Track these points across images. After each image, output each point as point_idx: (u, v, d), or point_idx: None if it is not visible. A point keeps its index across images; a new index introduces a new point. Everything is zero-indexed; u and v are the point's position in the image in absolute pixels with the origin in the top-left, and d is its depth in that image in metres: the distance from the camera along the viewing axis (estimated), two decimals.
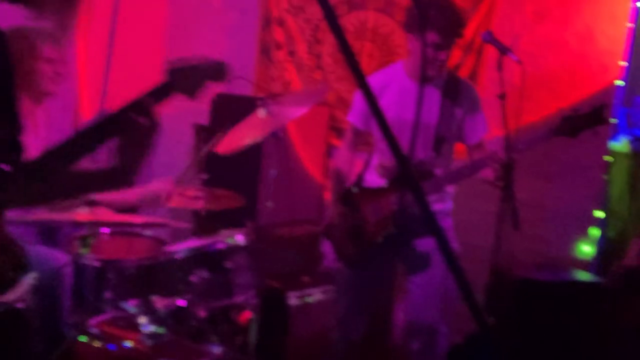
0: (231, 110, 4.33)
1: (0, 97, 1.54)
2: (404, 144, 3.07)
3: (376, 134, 3.27)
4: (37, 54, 3.05)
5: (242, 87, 4.75)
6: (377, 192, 3.20)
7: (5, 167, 1.44)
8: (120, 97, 1.71)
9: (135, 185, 3.90)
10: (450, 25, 2.98)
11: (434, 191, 3.05)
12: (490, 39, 3.06)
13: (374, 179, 3.27)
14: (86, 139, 1.55)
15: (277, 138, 3.16)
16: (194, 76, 1.70)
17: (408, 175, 1.32)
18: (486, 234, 3.13)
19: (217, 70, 1.79)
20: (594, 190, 3.82)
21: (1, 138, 1.55)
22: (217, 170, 3.62)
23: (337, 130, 4.61)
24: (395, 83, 3.18)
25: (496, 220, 2.89)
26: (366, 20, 4.44)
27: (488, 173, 2.98)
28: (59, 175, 1.57)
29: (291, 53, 4.77)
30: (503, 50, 3.01)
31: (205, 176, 3.41)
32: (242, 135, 3.11)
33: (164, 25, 5.31)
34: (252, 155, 4.04)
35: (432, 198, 3.07)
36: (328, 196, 4.65)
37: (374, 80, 3.18)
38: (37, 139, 3.02)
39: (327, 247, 4.37)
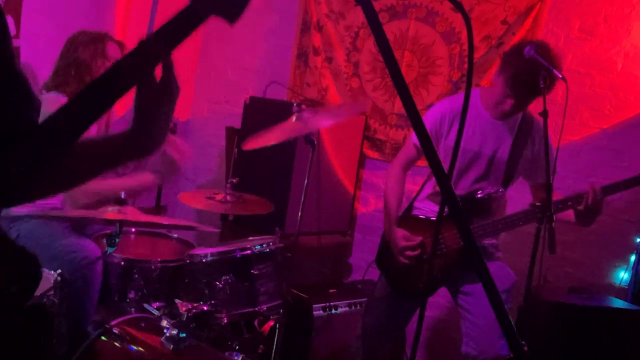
0: (264, 114, 4.30)
1: None
2: (475, 175, 3.07)
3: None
4: (105, 55, 3.17)
5: (276, 92, 4.72)
6: (434, 222, 3.11)
7: None
8: None
9: (166, 189, 3.88)
10: (521, 89, 2.91)
11: (507, 228, 2.98)
12: (534, 54, 2.98)
13: (427, 207, 3.20)
14: (96, 93, 1.26)
15: (311, 145, 3.11)
16: None
17: (455, 208, 1.24)
18: (521, 256, 3.05)
19: None
20: (634, 215, 3.70)
21: None
22: (248, 175, 3.59)
23: (371, 140, 4.55)
24: (471, 111, 3.06)
25: (533, 242, 2.82)
26: (407, 29, 4.38)
27: (569, 214, 2.93)
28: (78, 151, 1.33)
29: (329, 59, 4.73)
30: (547, 66, 2.93)
31: (235, 180, 3.37)
32: (270, 136, 3.07)
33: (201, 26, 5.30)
34: (284, 161, 4.00)
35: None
36: (358, 207, 4.60)
37: (448, 107, 3.13)
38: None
39: (355, 261, 4.32)
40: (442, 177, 1.19)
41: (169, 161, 3.25)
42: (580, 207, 2.88)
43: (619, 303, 3.51)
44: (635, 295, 3.74)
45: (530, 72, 2.82)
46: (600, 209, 2.89)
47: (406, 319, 3.33)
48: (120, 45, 3.34)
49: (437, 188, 3.17)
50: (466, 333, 3.12)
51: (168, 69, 1.32)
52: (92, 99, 1.25)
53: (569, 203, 2.91)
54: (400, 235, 3.09)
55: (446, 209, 2.91)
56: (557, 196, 2.93)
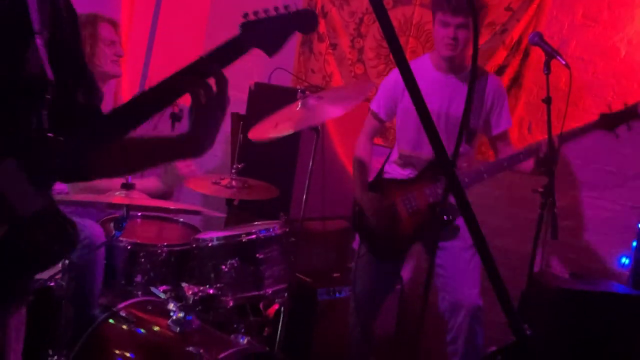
0: (269, 100, 4.31)
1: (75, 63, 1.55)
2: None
3: (399, 124, 3.28)
4: (99, 37, 3.15)
5: (280, 78, 4.73)
6: (405, 183, 3.21)
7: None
8: (160, 79, 1.66)
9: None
10: (451, 2, 2.97)
11: (474, 183, 3.07)
12: (538, 40, 3.01)
13: (395, 171, 3.31)
14: (154, 100, 1.47)
15: (315, 132, 3.13)
16: (274, 29, 1.56)
17: (447, 168, 1.27)
18: (524, 242, 3.08)
19: (307, 19, 1.61)
20: (636, 201, 3.72)
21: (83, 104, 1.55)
22: (254, 160, 3.61)
23: None
24: (422, 74, 3.18)
25: (535, 228, 2.85)
26: (412, 15, 4.38)
27: (527, 165, 3.04)
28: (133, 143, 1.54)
29: (333, 46, 4.74)
30: (551, 53, 2.95)
31: (240, 166, 3.40)
32: (275, 126, 3.09)
33: (206, 10, 5.31)
34: (289, 147, 4.02)
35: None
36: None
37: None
38: None
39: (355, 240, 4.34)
40: (435, 137, 1.22)
41: (176, 175, 3.31)
42: (541, 154, 2.95)
43: (620, 288, 3.54)
44: (636, 280, 3.76)
45: None
46: (556, 157, 2.93)
47: (392, 281, 3.47)
48: (114, 24, 3.29)
49: (401, 153, 3.30)
50: (442, 288, 3.24)
51: (222, 84, 1.52)
52: (150, 100, 1.47)
53: (530, 151, 3.01)
54: (372, 198, 3.24)
55: (413, 171, 2.99)
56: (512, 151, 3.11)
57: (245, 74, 5.04)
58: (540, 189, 2.88)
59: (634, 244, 3.75)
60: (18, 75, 1.41)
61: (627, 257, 3.78)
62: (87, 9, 3.26)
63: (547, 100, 2.89)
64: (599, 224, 3.79)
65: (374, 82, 4.55)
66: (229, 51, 1.54)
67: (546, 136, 2.92)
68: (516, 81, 3.94)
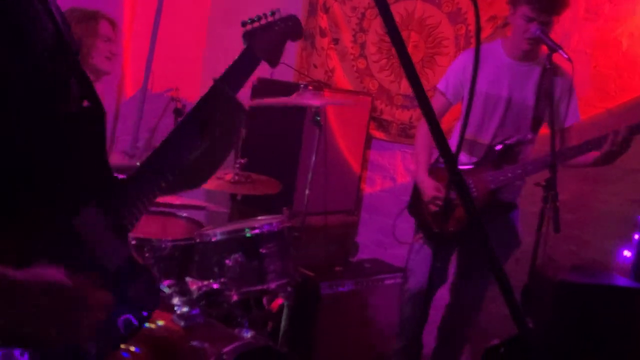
0: (272, 95, 4.32)
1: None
2: (496, 120, 3.17)
3: (463, 106, 3.29)
4: (97, 33, 3.15)
5: (283, 73, 4.74)
6: (464, 171, 3.23)
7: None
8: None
9: None
10: (542, 0, 2.96)
11: (535, 170, 3.07)
12: (540, 34, 3.01)
13: (460, 158, 3.30)
14: (189, 130, 1.51)
15: (318, 126, 3.14)
16: (272, 37, 1.62)
17: (452, 169, 1.27)
18: (527, 234, 3.09)
19: (294, 26, 1.70)
20: (638, 194, 3.73)
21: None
22: (257, 156, 3.62)
23: (377, 120, 4.58)
24: (492, 59, 3.21)
25: (537, 221, 2.85)
26: (414, 10, 4.38)
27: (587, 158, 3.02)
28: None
29: (335, 41, 4.74)
30: (553, 47, 2.96)
31: (243, 161, 3.41)
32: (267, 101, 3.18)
33: (207, 8, 5.32)
34: (291, 142, 4.04)
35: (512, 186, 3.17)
36: (365, 187, 4.64)
37: (468, 57, 3.31)
38: None
39: (362, 240, 4.36)
40: (443, 144, 1.22)
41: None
42: (604, 149, 2.94)
43: (622, 281, 3.55)
44: (638, 273, 3.77)
45: None
46: (627, 147, 2.94)
47: (443, 270, 3.41)
48: (113, 23, 3.32)
49: (465, 138, 3.26)
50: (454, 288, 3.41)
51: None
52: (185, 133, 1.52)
53: (597, 141, 2.96)
54: (432, 185, 3.23)
55: (472, 158, 2.94)
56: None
57: None
58: (543, 183, 2.89)
59: (636, 237, 3.76)
60: (76, 106, 1.25)
61: (628, 250, 3.79)
62: (89, 6, 3.27)
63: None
64: (600, 217, 3.80)
65: (377, 78, 4.56)
66: (246, 65, 1.62)
67: (549, 130, 2.93)
68: None
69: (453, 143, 3.30)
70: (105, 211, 1.29)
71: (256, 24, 1.64)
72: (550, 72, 3.12)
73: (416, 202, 3.34)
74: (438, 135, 1.23)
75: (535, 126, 3.16)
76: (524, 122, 3.17)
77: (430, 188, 3.23)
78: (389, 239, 3.61)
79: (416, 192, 3.35)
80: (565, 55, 2.90)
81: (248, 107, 3.31)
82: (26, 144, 1.11)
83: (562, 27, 3.89)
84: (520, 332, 1.26)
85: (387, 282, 3.91)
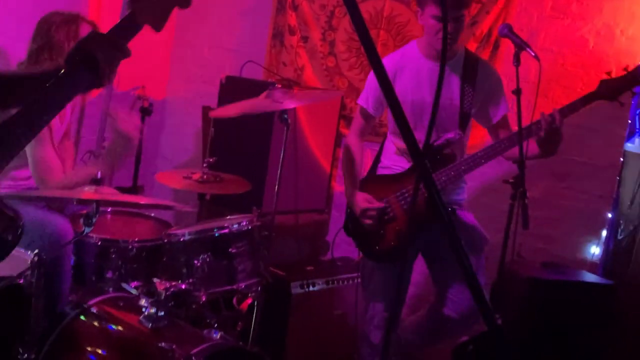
0: (240, 94, 4.29)
1: None
2: (426, 124, 3.09)
3: (390, 116, 3.22)
4: (78, 37, 3.11)
5: (252, 71, 4.71)
6: (399, 177, 3.15)
7: None
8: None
9: (144, 170, 3.86)
10: None
11: (469, 169, 3.02)
12: (507, 32, 3.01)
13: (393, 163, 3.23)
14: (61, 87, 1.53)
15: (286, 124, 3.12)
16: (157, 2, 1.60)
17: (422, 165, 1.26)
18: (495, 232, 3.10)
19: None
20: (607, 191, 3.77)
21: None
22: (225, 155, 3.59)
23: (347, 119, 4.57)
24: (410, 63, 3.14)
25: (506, 218, 2.86)
26: (382, 8, 4.38)
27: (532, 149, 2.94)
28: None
29: (304, 39, 4.72)
30: (520, 45, 2.96)
31: (212, 160, 3.38)
32: (238, 109, 3.12)
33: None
34: (260, 140, 4.01)
35: (450, 188, 3.10)
36: (335, 185, 4.63)
37: (389, 62, 3.16)
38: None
39: (333, 238, 4.34)
40: (410, 137, 1.21)
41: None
42: (541, 133, 2.89)
43: (591, 277, 3.58)
44: (606, 269, 3.81)
45: None
46: (560, 134, 2.90)
47: (402, 288, 3.27)
48: (94, 26, 3.28)
49: (396, 145, 3.19)
50: (448, 298, 3.20)
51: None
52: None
53: (530, 129, 2.91)
54: (362, 198, 3.11)
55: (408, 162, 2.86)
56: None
57: (216, 67, 5.02)
58: (511, 180, 2.89)
59: (604, 233, 3.81)
60: None
61: (597, 247, 3.83)
62: (54, 7, 3.21)
63: (517, 92, 2.90)
64: (569, 214, 3.83)
65: (346, 77, 4.55)
66: (127, 28, 1.61)
67: (516, 128, 2.92)
68: None
69: (389, 150, 3.28)
70: None
71: None
72: (472, 67, 3.11)
73: (351, 221, 3.22)
74: (405, 129, 1.22)
75: (462, 123, 3.09)
76: (453, 120, 3.10)
77: (360, 201, 3.10)
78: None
79: (350, 211, 3.22)
80: (533, 53, 2.91)
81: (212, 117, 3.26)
82: None
83: (529, 25, 3.93)
84: (489, 329, 1.26)
85: (358, 280, 3.90)
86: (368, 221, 3.09)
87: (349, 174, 3.26)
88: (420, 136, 3.11)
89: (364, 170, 3.34)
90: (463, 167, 3.02)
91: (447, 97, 3.10)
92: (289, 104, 3.14)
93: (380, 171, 3.29)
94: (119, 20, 1.59)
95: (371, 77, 3.29)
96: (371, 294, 3.31)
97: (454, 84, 3.11)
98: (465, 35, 4.02)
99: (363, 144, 3.34)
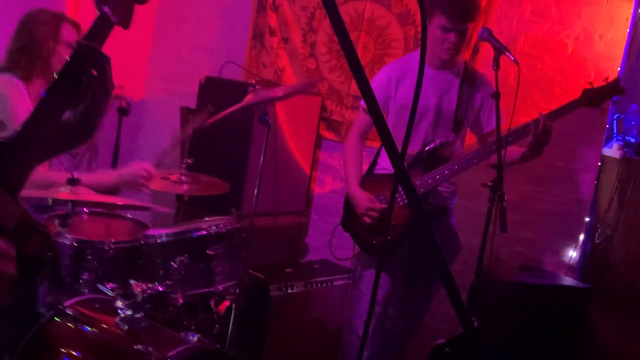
0: (219, 94, 4.27)
1: None
2: (424, 129, 3.19)
3: (391, 121, 3.27)
4: (60, 38, 3.07)
5: (231, 72, 4.70)
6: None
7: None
8: None
9: (115, 168, 3.87)
10: (456, 9, 2.99)
11: (462, 169, 3.10)
12: (487, 36, 3.03)
13: (390, 165, 3.26)
14: (53, 101, 1.50)
15: (266, 125, 3.11)
16: (123, 1, 1.63)
17: (403, 175, 1.26)
18: (474, 235, 3.11)
19: None
20: (584, 195, 3.79)
21: None
22: (204, 156, 3.57)
23: (327, 121, 4.57)
24: (414, 70, 3.23)
25: (484, 221, 2.87)
26: (363, 10, 4.39)
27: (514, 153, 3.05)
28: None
29: (285, 40, 4.71)
30: (500, 48, 2.98)
31: (190, 161, 3.36)
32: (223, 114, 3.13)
33: (154, 4, 5.23)
34: (240, 142, 3.99)
35: (445, 194, 3.20)
36: (315, 188, 4.62)
37: (393, 68, 3.27)
38: None
39: (311, 241, 4.34)
40: (393, 149, 1.21)
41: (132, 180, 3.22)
42: (529, 137, 2.97)
43: (568, 281, 3.60)
44: (583, 273, 3.84)
45: None
46: (549, 137, 2.98)
47: (392, 290, 3.36)
48: (76, 26, 3.23)
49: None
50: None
51: (103, 65, 1.54)
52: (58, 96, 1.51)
53: (519, 133, 3.01)
54: (365, 197, 3.22)
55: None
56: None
57: (195, 67, 4.99)
58: (489, 183, 2.91)
59: (582, 237, 3.83)
60: None
61: (574, 250, 3.85)
62: (31, 5, 3.17)
63: (496, 95, 2.92)
64: (547, 218, 3.85)
65: (327, 79, 4.55)
66: (103, 29, 1.59)
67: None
68: None
69: (385, 156, 3.33)
70: None
71: None
72: (471, 77, 3.21)
73: (349, 217, 3.32)
74: (384, 134, 1.21)
75: (456, 128, 3.22)
76: (447, 124, 3.22)
77: (363, 200, 3.22)
78: (339, 240, 3.58)
79: (348, 206, 3.33)
80: (512, 57, 2.93)
81: (207, 125, 3.27)
82: None
83: (509, 29, 3.94)
84: (465, 332, 1.26)
85: (337, 283, 3.90)
86: (369, 220, 3.19)
87: (350, 170, 3.36)
88: (418, 138, 3.20)
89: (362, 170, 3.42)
90: (456, 167, 3.11)
91: (445, 104, 3.21)
92: (276, 93, 3.16)
93: (378, 172, 3.38)
94: (92, 24, 1.59)
95: (376, 78, 3.38)
96: (365, 287, 3.35)
97: (452, 92, 3.22)
98: None
99: (362, 145, 3.44)
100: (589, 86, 3.05)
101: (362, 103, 3.41)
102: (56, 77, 1.50)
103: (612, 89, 3.01)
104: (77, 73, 1.52)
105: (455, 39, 3.07)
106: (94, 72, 1.53)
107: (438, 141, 3.16)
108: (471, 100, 3.21)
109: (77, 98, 1.53)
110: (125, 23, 1.63)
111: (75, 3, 4.64)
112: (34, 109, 1.49)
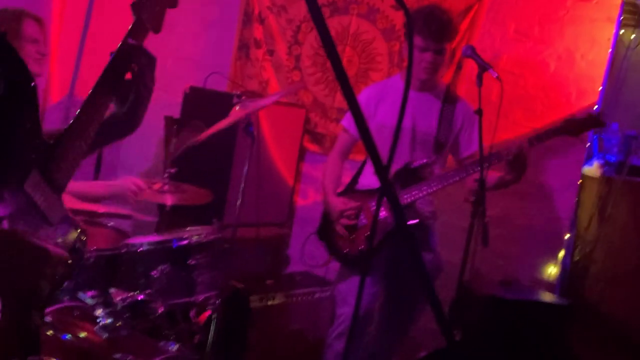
0: (204, 105, 4.27)
1: None
2: (404, 149, 3.21)
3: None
4: (22, 35, 3.02)
5: (216, 83, 4.70)
6: (373, 192, 3.24)
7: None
8: (92, 81, 1.68)
9: (103, 179, 3.85)
10: (432, 29, 3.02)
11: (441, 186, 3.11)
12: (471, 53, 3.06)
13: (370, 182, 3.28)
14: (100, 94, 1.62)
15: (251, 137, 3.11)
16: (154, 5, 1.75)
17: (388, 190, 1.27)
18: (455, 249, 3.12)
19: None
20: (565, 212, 3.83)
21: None
22: (187, 165, 3.56)
23: (311, 133, 4.58)
24: (393, 92, 3.26)
25: (466, 236, 2.89)
26: (349, 25, 4.41)
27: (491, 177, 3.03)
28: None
29: (270, 52, 4.73)
30: (483, 65, 3.01)
31: (173, 170, 3.35)
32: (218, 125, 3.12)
33: None
34: (224, 152, 3.99)
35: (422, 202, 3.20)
36: (298, 199, 4.63)
37: (373, 90, 3.31)
38: None
39: (293, 252, 4.33)
40: (378, 163, 1.22)
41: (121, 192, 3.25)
42: (510, 157, 2.98)
43: (547, 297, 3.63)
44: (563, 289, 3.87)
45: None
46: (526, 162, 3.00)
47: (371, 297, 3.33)
48: (39, 21, 3.16)
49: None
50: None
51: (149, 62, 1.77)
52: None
53: (499, 156, 3.01)
54: (339, 201, 3.24)
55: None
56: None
57: (181, 78, 4.98)
58: (472, 198, 2.92)
59: (562, 253, 3.86)
60: None
61: (554, 267, 3.88)
62: (16, 4, 3.15)
63: (479, 112, 2.94)
64: (528, 234, 3.88)
65: (311, 91, 4.57)
66: (138, 34, 1.73)
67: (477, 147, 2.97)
68: None
69: (367, 172, 3.35)
70: (42, 173, 1.53)
71: None
72: (452, 103, 3.23)
73: (325, 226, 3.33)
74: (368, 143, 1.23)
75: (437, 149, 3.23)
76: (428, 145, 3.24)
77: (337, 204, 3.24)
78: (320, 252, 3.59)
79: (325, 216, 3.34)
80: (495, 75, 2.95)
81: (200, 140, 3.28)
82: None
83: (492, 46, 3.99)
84: (447, 345, 1.27)
85: (318, 295, 3.89)
86: (346, 222, 3.19)
87: (328, 184, 3.36)
88: (398, 161, 3.21)
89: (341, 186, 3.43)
90: (434, 184, 3.12)
91: (425, 126, 3.21)
92: (263, 102, 3.17)
93: (358, 187, 3.38)
94: (129, 30, 1.71)
95: (358, 99, 3.35)
96: (342, 300, 3.34)
97: (433, 114, 3.23)
98: None
99: (342, 164, 3.45)
100: (570, 117, 3.09)
101: (343, 122, 3.41)
102: (100, 75, 1.62)
103: (593, 122, 3.05)
104: (120, 70, 1.64)
105: (431, 58, 3.09)
106: (135, 69, 1.65)
107: (418, 162, 3.17)
108: (452, 123, 3.24)
109: (122, 93, 1.65)
110: (157, 28, 1.76)
111: (62, 2, 4.63)
112: (81, 106, 1.60)
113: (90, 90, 1.63)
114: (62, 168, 1.61)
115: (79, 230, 1.69)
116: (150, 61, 1.73)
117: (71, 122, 1.63)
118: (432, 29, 3.03)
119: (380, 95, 3.28)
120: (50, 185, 1.57)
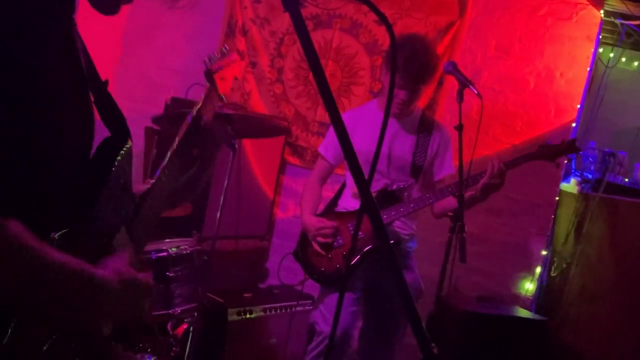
0: (184, 115, 4.25)
1: None
2: (380, 174, 3.21)
3: (346, 165, 3.29)
4: None
5: (198, 93, 4.69)
6: (352, 214, 3.25)
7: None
8: None
9: None
10: (411, 72, 3.02)
11: (418, 207, 3.11)
12: (452, 70, 3.08)
13: (348, 204, 3.29)
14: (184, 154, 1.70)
15: (232, 149, 3.11)
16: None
17: (371, 209, 1.27)
18: (433, 265, 3.13)
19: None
20: (542, 229, 3.86)
21: None
22: None
23: (292, 146, 4.58)
24: (369, 117, 3.28)
25: (444, 251, 2.90)
26: (332, 39, 4.43)
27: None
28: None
29: (252, 64, 4.74)
30: (464, 82, 3.03)
31: (153, 181, 3.33)
32: None
33: (123, 24, 5.22)
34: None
35: (399, 224, 3.19)
36: (277, 212, 4.62)
37: (349, 116, 3.33)
38: None
39: (272, 265, 4.32)
40: (361, 179, 1.22)
41: None
42: (484, 180, 2.97)
43: (524, 313, 3.65)
44: (539, 305, 3.89)
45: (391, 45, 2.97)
46: (502, 183, 3.00)
47: (350, 316, 3.28)
48: None
49: (353, 192, 3.30)
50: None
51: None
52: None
53: (475, 180, 3.00)
54: (315, 220, 3.23)
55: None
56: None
57: (163, 88, 4.98)
58: (450, 213, 2.94)
59: (538, 269, 3.89)
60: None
61: (531, 283, 3.90)
62: None
63: (459, 128, 2.96)
64: (505, 250, 3.91)
65: (293, 104, 4.57)
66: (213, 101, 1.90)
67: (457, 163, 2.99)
68: (430, 108, 4.04)
69: (346, 195, 3.36)
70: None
71: (215, 65, 1.87)
72: (429, 128, 3.24)
73: (302, 246, 3.31)
74: (351, 159, 1.23)
75: (414, 173, 3.25)
76: (405, 169, 3.26)
77: (314, 222, 3.23)
78: (298, 268, 3.58)
79: (302, 236, 3.32)
80: (475, 91, 2.97)
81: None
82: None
83: (473, 63, 4.02)
84: (425, 357, 1.27)
85: (297, 309, 3.88)
86: (322, 240, 3.17)
87: (305, 204, 3.34)
88: (375, 186, 3.21)
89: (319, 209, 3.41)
90: (412, 205, 3.11)
91: (401, 151, 3.23)
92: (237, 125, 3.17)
93: (338, 209, 3.38)
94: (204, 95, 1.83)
95: (330, 128, 3.37)
96: (322, 319, 3.32)
97: (408, 139, 3.23)
98: None
99: (320, 189, 3.44)
100: (545, 143, 3.12)
101: (320, 149, 3.42)
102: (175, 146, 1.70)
103: (568, 148, 3.08)
104: (188, 146, 1.71)
105: (405, 96, 3.11)
106: (198, 151, 1.72)
107: (395, 185, 3.18)
108: (427, 147, 3.26)
109: (186, 166, 1.73)
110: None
111: None
112: (160, 168, 1.66)
113: (169, 157, 1.69)
114: (145, 229, 1.60)
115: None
116: (217, 147, 1.80)
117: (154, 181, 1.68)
118: (412, 72, 3.03)
119: (355, 121, 3.28)
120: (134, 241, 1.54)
